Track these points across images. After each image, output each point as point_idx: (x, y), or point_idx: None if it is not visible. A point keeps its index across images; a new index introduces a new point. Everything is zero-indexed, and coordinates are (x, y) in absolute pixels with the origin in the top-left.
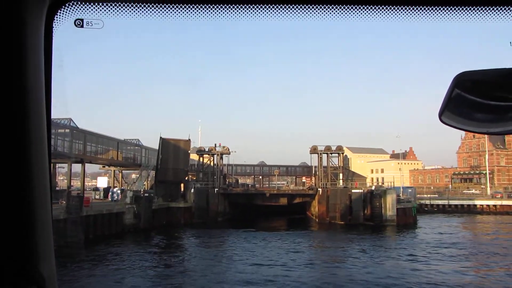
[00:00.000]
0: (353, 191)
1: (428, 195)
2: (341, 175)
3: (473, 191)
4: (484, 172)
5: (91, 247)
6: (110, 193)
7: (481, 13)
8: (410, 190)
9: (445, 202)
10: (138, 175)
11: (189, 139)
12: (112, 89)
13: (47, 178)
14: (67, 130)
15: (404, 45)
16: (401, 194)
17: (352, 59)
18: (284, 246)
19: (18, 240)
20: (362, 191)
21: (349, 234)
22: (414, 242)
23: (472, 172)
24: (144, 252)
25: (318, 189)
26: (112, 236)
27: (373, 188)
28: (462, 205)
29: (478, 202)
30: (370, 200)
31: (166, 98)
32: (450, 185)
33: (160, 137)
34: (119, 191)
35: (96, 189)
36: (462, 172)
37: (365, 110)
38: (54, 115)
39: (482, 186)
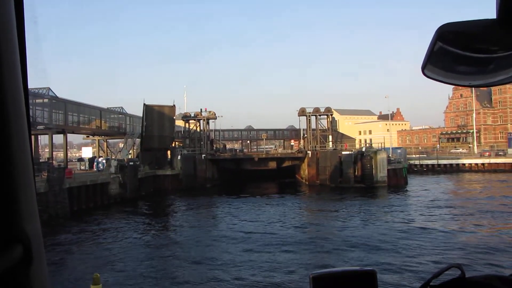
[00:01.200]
0: (343, 153)
1: (417, 155)
2: (330, 137)
3: (460, 150)
4: (471, 131)
5: (76, 219)
6: (95, 163)
7: None
8: (399, 151)
9: (434, 162)
10: (124, 144)
11: (174, 105)
12: (92, 54)
13: (27, 149)
14: (46, 100)
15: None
16: (390, 155)
17: (339, 21)
18: (274, 210)
19: (1, 203)
20: (352, 152)
21: (340, 196)
22: (406, 202)
23: (459, 131)
24: (132, 222)
25: (308, 152)
26: (98, 207)
27: (363, 149)
28: (451, 165)
29: (466, 161)
30: (361, 162)
31: (150, 65)
32: (438, 145)
33: (144, 104)
34: (104, 161)
35: (81, 159)
36: (449, 132)
37: (351, 71)
38: (31, 84)
39: (469, 145)
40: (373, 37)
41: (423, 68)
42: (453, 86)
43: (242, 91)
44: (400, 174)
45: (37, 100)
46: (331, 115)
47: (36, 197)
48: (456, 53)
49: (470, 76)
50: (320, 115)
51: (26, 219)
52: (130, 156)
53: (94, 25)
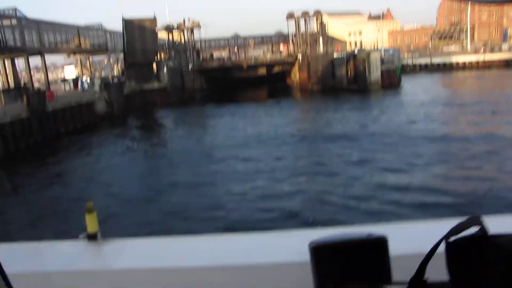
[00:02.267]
0: (335, 55)
1: (409, 54)
2: (321, 39)
3: (453, 48)
4: (464, 28)
5: (63, 141)
6: (79, 83)
7: None
8: (391, 52)
9: (428, 61)
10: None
11: (155, 18)
12: None
13: None
14: (14, 21)
15: None
16: (383, 55)
17: None
18: (267, 117)
19: None
20: (344, 55)
21: (333, 99)
22: (402, 101)
23: (452, 29)
24: (122, 139)
25: (298, 55)
26: (86, 128)
27: (355, 51)
28: (444, 63)
29: (460, 59)
30: (353, 64)
31: None
32: (430, 44)
33: (123, 19)
34: (88, 80)
35: (64, 80)
36: (441, 31)
37: None
38: None
39: (462, 43)
40: None
41: None
42: None
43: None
44: (394, 74)
45: (4, 22)
46: (321, 17)
47: None
48: None
49: None
50: (309, 18)
51: None
52: (115, 73)
53: None
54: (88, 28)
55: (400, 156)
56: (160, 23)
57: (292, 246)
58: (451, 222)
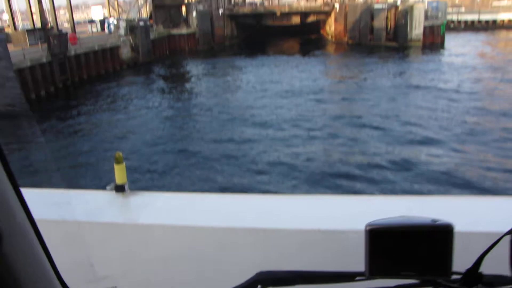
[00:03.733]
0: (375, 6)
1: (454, 9)
2: None
3: (506, 1)
4: None
5: (85, 89)
6: (106, 25)
7: None
8: (436, 5)
9: (475, 17)
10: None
11: None
12: None
13: None
14: None
15: None
16: (427, 8)
17: None
18: (298, 74)
19: None
20: (385, 6)
21: (370, 57)
22: (444, 67)
23: None
24: (147, 89)
25: (335, 4)
26: (110, 74)
27: (398, 2)
28: (494, 21)
29: None
30: (395, 17)
31: None
32: None
33: None
34: (115, 22)
35: (91, 21)
36: None
37: None
38: None
39: None
40: None
41: None
42: None
43: None
44: (438, 31)
45: None
46: None
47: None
48: None
49: None
50: None
51: None
52: (143, 15)
53: None
54: None
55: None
56: None
57: (317, 212)
58: None
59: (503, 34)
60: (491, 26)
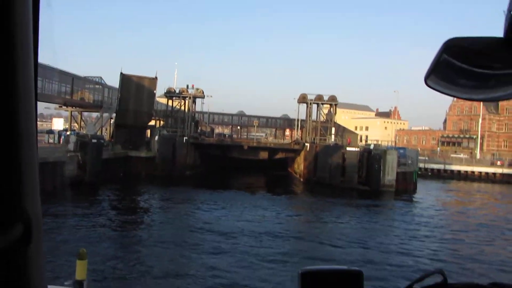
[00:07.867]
0: (347, 149)
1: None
2: (333, 129)
3: (462, 155)
4: (474, 136)
5: None
6: (62, 137)
7: None
8: (407, 152)
9: (441, 166)
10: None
11: (156, 77)
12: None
13: (33, 119)
14: None
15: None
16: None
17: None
18: (263, 212)
19: (4, 178)
20: (358, 149)
21: (341, 200)
22: (418, 216)
23: (461, 136)
24: (85, 215)
25: (306, 144)
26: (46, 192)
27: (371, 147)
28: (459, 171)
29: (477, 169)
30: (367, 161)
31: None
32: (438, 148)
33: (121, 73)
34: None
35: (50, 131)
36: (450, 135)
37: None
38: None
39: (470, 151)
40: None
41: (426, 78)
42: None
43: (235, 72)
44: (410, 178)
45: None
46: (335, 104)
47: (38, 178)
48: (460, 67)
49: (471, 90)
50: (322, 104)
51: (28, 199)
52: (104, 133)
53: None
54: (85, 79)
55: None
56: (164, 86)
57: None
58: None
59: (468, 185)
60: (456, 176)
